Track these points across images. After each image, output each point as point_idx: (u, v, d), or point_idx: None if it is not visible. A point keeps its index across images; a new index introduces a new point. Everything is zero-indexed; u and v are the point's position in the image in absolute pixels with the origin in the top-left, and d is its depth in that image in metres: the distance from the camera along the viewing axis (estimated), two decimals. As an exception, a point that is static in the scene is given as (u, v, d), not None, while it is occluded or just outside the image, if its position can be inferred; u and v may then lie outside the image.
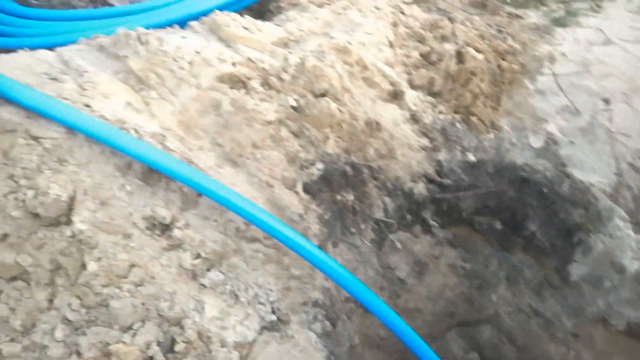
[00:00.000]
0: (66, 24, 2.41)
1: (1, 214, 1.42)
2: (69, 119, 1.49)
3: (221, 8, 2.33)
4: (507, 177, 2.00)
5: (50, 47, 2.22)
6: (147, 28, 2.17)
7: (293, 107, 1.81)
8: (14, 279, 1.45)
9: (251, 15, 2.58)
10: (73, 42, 2.16)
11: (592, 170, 1.94)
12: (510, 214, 2.04)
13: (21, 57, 1.75)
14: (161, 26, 2.22)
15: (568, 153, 1.96)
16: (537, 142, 1.98)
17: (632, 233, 1.81)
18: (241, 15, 2.10)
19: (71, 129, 1.52)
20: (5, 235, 1.42)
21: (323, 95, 1.82)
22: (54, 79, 1.65)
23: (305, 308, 1.76)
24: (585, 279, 1.87)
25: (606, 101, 2.04)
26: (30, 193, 1.43)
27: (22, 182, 1.44)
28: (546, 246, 1.97)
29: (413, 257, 2.12)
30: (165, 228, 1.57)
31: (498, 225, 2.08)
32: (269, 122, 1.79)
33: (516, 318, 2.10)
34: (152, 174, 1.62)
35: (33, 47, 2.32)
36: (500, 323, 2.16)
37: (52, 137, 1.50)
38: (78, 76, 1.69)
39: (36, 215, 1.43)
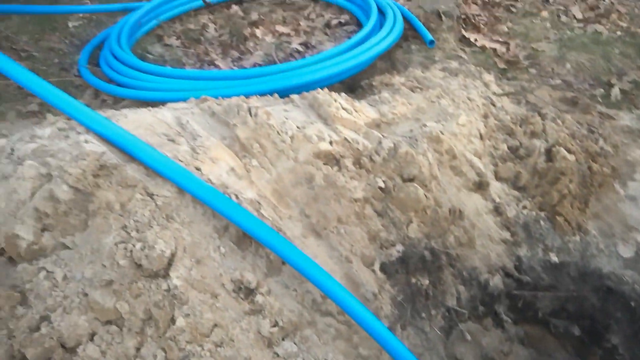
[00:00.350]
0: (177, 82, 2.50)
1: (110, 261, 1.45)
2: (183, 180, 1.51)
3: (320, 82, 2.37)
4: (591, 283, 1.79)
5: (163, 101, 2.32)
6: (248, 94, 2.24)
7: (380, 188, 1.75)
8: (109, 322, 1.45)
9: (343, 89, 2.60)
10: (183, 99, 2.25)
11: (687, 290, 1.70)
12: (591, 322, 1.82)
13: (145, 116, 1.83)
14: (262, 93, 2.27)
15: (660, 268, 1.74)
16: (626, 251, 1.77)
17: None
18: (338, 92, 2.10)
19: (182, 190, 1.55)
20: (110, 282, 1.44)
21: (411, 180, 1.74)
22: (172, 140, 1.71)
23: (369, 390, 1.63)
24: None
25: None
26: (138, 245, 1.45)
27: (133, 234, 1.47)
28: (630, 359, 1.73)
29: (481, 350, 1.94)
30: (249, 292, 1.53)
31: (576, 331, 1.86)
32: (356, 200, 1.73)
33: None
34: (245, 238, 1.60)
35: (147, 100, 2.45)
36: None
37: (164, 195, 1.53)
38: (192, 139, 1.74)
39: (139, 266, 1.45)
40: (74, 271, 1.47)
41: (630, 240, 1.81)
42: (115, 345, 1.41)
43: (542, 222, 1.88)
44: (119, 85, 2.65)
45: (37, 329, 1.40)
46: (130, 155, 1.58)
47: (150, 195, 1.52)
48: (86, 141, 1.55)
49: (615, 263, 1.77)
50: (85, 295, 1.43)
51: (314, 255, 1.68)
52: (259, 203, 1.65)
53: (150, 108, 2.14)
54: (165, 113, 1.87)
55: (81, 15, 3.57)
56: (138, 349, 1.41)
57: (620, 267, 1.75)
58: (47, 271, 1.49)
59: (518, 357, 1.96)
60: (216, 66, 2.76)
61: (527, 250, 1.85)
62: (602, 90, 2.34)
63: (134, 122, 1.78)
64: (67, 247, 1.54)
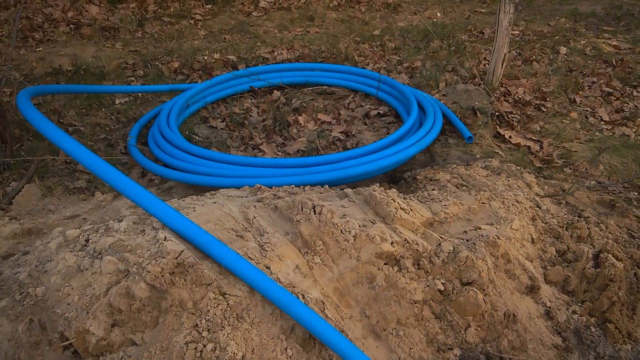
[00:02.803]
0: (226, 167, 2.55)
1: (180, 360, 1.47)
2: (256, 280, 1.57)
3: (366, 174, 2.49)
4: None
5: (211, 186, 2.37)
6: (297, 183, 2.31)
7: (440, 291, 1.80)
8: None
9: (386, 179, 2.71)
10: (232, 185, 2.29)
11: None
12: None
13: (212, 210, 1.92)
14: (309, 183, 2.34)
15: None
16: (681, 364, 1.80)
17: None
18: (383, 185, 2.22)
19: (252, 289, 1.61)
20: (179, 382, 1.45)
21: (469, 283, 1.80)
22: (240, 236, 1.79)
23: None
24: None
25: None
26: (209, 346, 1.47)
27: (205, 334, 1.50)
28: None
29: None
30: (313, 397, 1.54)
31: None
32: (415, 302, 1.78)
33: None
34: (310, 340, 1.63)
35: (195, 183, 2.51)
36: None
37: (236, 295, 1.58)
38: (259, 235, 1.81)
39: (209, 367, 1.47)
40: (140, 368, 1.49)
41: (683, 352, 1.83)
42: None
43: (592, 329, 1.91)
44: (167, 166, 2.75)
45: None
46: (205, 253, 1.66)
47: (223, 294, 1.57)
48: (165, 239, 1.63)
49: (671, 376, 1.78)
50: (152, 395, 1.44)
51: (373, 357, 1.71)
52: (323, 303, 1.70)
53: (212, 196, 2.24)
54: (231, 207, 1.96)
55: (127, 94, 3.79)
56: None
57: (676, 381, 1.77)
58: (113, 366, 1.51)
59: None
60: (260, 150, 2.89)
61: (578, 356, 1.87)
62: (636, 193, 2.47)
63: (202, 215, 1.86)
64: (136, 344, 1.57)
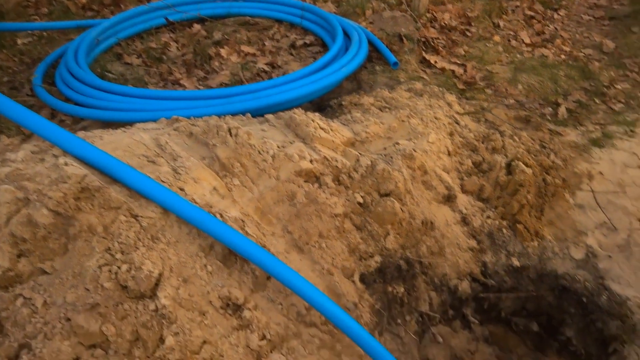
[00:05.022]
0: (143, 102, 2.46)
1: (94, 284, 1.47)
2: (168, 200, 1.57)
3: (291, 102, 2.49)
4: (548, 283, 2.02)
5: (128, 122, 2.30)
6: (218, 114, 2.28)
7: (359, 203, 1.89)
8: (93, 346, 1.47)
9: (312, 108, 2.73)
10: (150, 120, 2.23)
11: (629, 285, 1.96)
12: (548, 318, 2.04)
13: (121, 138, 1.87)
14: (232, 114, 2.32)
15: (606, 267, 1.99)
16: (577, 253, 2.02)
17: (671, 356, 1.80)
18: (309, 112, 2.23)
19: (166, 210, 1.61)
20: (95, 305, 1.46)
21: (387, 194, 1.90)
22: (152, 161, 1.76)
23: (354, 396, 1.74)
24: (622, 394, 1.84)
25: (643, 222, 2.10)
26: (124, 267, 1.48)
27: (118, 256, 1.51)
28: (581, 352, 1.95)
29: (450, 350, 2.10)
30: (237, 308, 1.60)
31: (534, 328, 2.07)
32: (336, 215, 1.86)
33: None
34: (231, 256, 1.67)
35: (110, 120, 2.42)
36: None
37: (149, 217, 1.58)
38: (172, 160, 1.79)
39: (125, 288, 1.48)
40: (54, 296, 1.47)
41: (581, 244, 2.06)
42: (102, 370, 1.44)
43: (504, 231, 2.09)
44: (78, 104, 2.62)
45: (17, 357, 1.39)
46: (112, 178, 1.63)
47: (135, 216, 1.56)
48: (66, 164, 1.58)
49: (569, 264, 2.01)
50: (68, 320, 1.43)
51: (297, 269, 1.78)
52: (243, 221, 1.74)
53: (124, 129, 2.16)
54: (142, 134, 1.91)
55: (30, 32, 3.49)
56: (127, 371, 1.44)
57: (572, 268, 1.99)
58: (25, 298, 1.49)
59: (484, 354, 2.14)
60: (181, 85, 2.80)
61: (491, 256, 2.06)
62: (550, 109, 2.65)
63: (110, 143, 1.81)
64: (46, 272, 1.54)
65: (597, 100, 2.80)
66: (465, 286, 2.05)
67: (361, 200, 1.88)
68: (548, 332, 2.05)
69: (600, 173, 2.26)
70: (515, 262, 2.02)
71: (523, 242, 2.07)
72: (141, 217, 1.57)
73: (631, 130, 2.52)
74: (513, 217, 2.10)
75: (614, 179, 2.24)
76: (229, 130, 1.86)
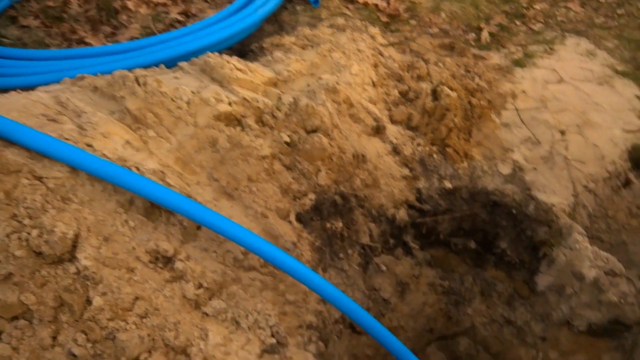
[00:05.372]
0: (45, 64, 2.29)
1: (4, 254, 1.38)
2: (75, 158, 1.47)
3: (206, 49, 2.36)
4: (480, 201, 2.10)
5: (30, 87, 2.13)
6: (129, 68, 2.14)
7: (286, 143, 1.85)
8: (15, 318, 1.39)
9: (233, 54, 2.62)
10: (54, 81, 2.08)
11: (553, 193, 2.07)
12: (483, 235, 2.13)
13: (16, 99, 1.71)
14: (144, 67, 2.19)
15: (532, 178, 2.09)
16: (505, 169, 2.10)
17: (588, 245, 1.94)
18: (229, 55, 2.14)
19: (74, 169, 1.51)
20: (9, 275, 1.37)
21: (314, 131, 1.87)
22: (53, 120, 1.63)
23: (301, 331, 1.77)
24: (550, 288, 1.97)
25: (562, 132, 2.20)
26: (34, 232, 1.39)
27: (26, 221, 1.41)
28: (515, 261, 2.07)
29: (396, 278, 2.17)
30: (167, 261, 1.56)
31: (472, 245, 2.17)
32: (264, 157, 1.82)
33: (490, 328, 2.18)
34: (154, 209, 1.61)
35: (9, 87, 2.23)
36: (476, 334, 2.23)
37: (55, 177, 1.47)
38: (76, 117, 1.67)
39: (39, 254, 1.39)
40: (-40, 273, 1.38)
41: (508, 160, 2.14)
42: (27, 339, 1.36)
43: (434, 156, 2.13)
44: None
45: None
46: (7, 140, 1.49)
47: (39, 178, 1.46)
48: (-50, 129, 1.43)
49: (498, 180, 2.09)
50: (-19, 294, 1.35)
51: (229, 216, 1.74)
52: (163, 172, 1.66)
53: (19, 91, 1.99)
54: (40, 94, 1.76)
55: None
56: (54, 337, 1.37)
57: (501, 183, 2.08)
58: None
59: (428, 277, 2.23)
60: (87, 44, 2.60)
61: (424, 182, 2.10)
62: (473, 34, 2.68)
63: (3, 106, 1.66)
64: (-51, 249, 1.43)
65: (517, 22, 2.86)
66: (402, 214, 2.09)
67: (288, 140, 1.85)
68: (485, 248, 2.15)
69: (523, 92, 2.33)
70: (448, 185, 2.07)
71: (453, 164, 2.12)
72: (46, 178, 1.47)
73: (550, 48, 2.60)
74: (442, 141, 2.14)
75: (536, 96, 2.32)
76: (136, 79, 1.74)
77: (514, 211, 2.04)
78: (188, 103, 1.75)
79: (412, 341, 2.29)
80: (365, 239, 2.05)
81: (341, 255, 2.00)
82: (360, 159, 1.97)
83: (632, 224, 2.15)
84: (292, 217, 1.84)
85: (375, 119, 2.06)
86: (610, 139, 2.21)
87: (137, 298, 1.45)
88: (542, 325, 2.05)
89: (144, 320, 1.44)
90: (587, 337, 1.98)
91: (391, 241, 2.13)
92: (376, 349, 2.17)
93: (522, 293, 2.10)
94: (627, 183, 2.21)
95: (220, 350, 1.53)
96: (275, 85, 2.03)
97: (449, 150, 2.14)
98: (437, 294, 2.26)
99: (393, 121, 2.16)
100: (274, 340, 1.64)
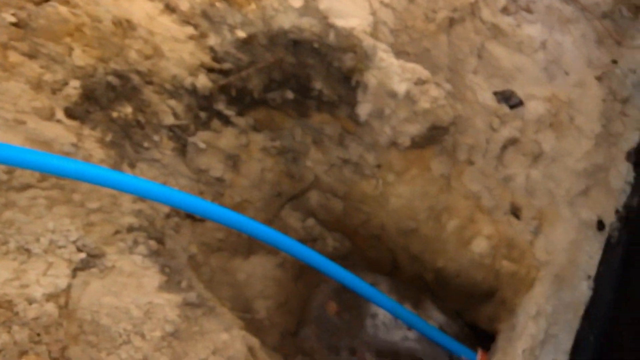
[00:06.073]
0: None
1: None
2: None
3: None
4: (281, 44, 1.96)
5: None
6: None
7: (14, 24, 1.47)
8: None
9: None
10: None
11: (351, 16, 2.01)
12: (296, 81, 2.05)
13: None
14: None
15: (327, 5, 1.98)
16: (296, 1, 1.96)
17: (394, 61, 1.96)
18: None
19: None
20: None
21: (45, 0, 1.50)
22: None
23: (120, 236, 1.59)
24: (371, 115, 2.01)
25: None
26: None
27: None
28: (334, 99, 2.05)
29: (223, 153, 2.04)
30: None
31: (290, 96, 2.08)
32: (-12, 50, 1.43)
33: (332, 173, 2.21)
34: None
35: None
36: (321, 183, 2.27)
37: None
38: None
39: None
40: None
41: (298, -8, 2.00)
42: None
43: (217, 4, 1.90)
44: None
45: None
46: None
47: None
48: None
49: (292, 16, 1.95)
50: None
51: (-33, 134, 1.39)
52: None
53: None
54: None
55: None
56: None
57: (297, 18, 1.95)
58: None
59: (258, 143, 2.15)
60: None
61: (215, 37, 1.89)
62: None
63: None
64: None
65: None
66: (203, 80, 1.89)
67: (14, 20, 1.46)
68: (302, 95, 2.08)
69: None
70: (242, 34, 1.89)
71: (241, 9, 1.92)
72: None
73: None
74: (220, -15, 1.89)
75: None
76: None
77: (316, 45, 1.95)
78: None
79: (263, 211, 2.25)
80: (170, 120, 1.84)
81: (146, 144, 1.78)
82: (125, 25, 1.67)
83: (430, 28, 2.22)
84: (61, 115, 1.55)
85: (131, -25, 1.73)
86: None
87: None
88: (374, 154, 2.12)
89: None
90: (413, 151, 2.09)
91: (202, 115, 1.95)
92: (228, 231, 2.10)
93: (349, 129, 2.12)
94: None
95: (13, 285, 1.29)
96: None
97: (233, -5, 1.92)
98: (273, 156, 2.20)
99: (158, -25, 1.84)
100: (83, 255, 1.44)
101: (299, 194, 2.35)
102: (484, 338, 2.27)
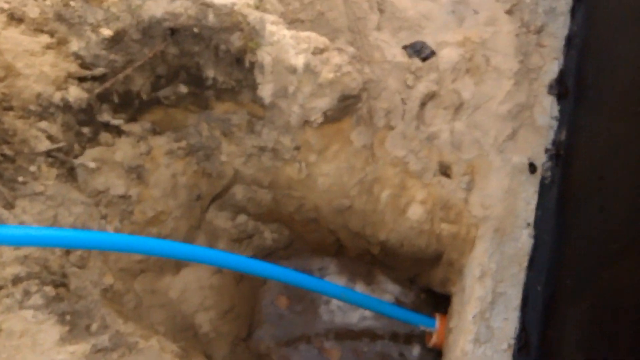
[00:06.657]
0: None
1: None
2: None
3: None
4: (157, 35, 1.76)
5: None
6: None
7: None
8: None
9: None
10: None
11: (233, -8, 1.82)
12: (186, 72, 1.86)
13: None
14: None
15: (202, -17, 1.78)
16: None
17: (286, 32, 1.80)
18: None
19: None
20: None
21: None
22: None
23: (3, 292, 1.42)
24: (276, 95, 1.85)
25: None
26: None
27: None
28: (232, 85, 1.88)
29: (121, 167, 1.86)
30: None
31: (183, 90, 1.90)
32: None
33: (251, 164, 2.07)
34: None
35: None
36: (243, 176, 2.12)
37: None
38: None
39: None
40: None
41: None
42: None
43: (72, 3, 1.67)
44: None
45: None
46: None
47: None
48: None
49: (163, 1, 1.73)
50: None
51: None
52: None
53: None
54: None
55: None
56: None
57: (168, 3, 1.74)
58: None
59: (161, 147, 1.96)
60: None
61: (78, 41, 1.67)
62: None
63: None
64: None
65: None
66: (75, 92, 1.69)
67: None
68: (197, 86, 1.89)
69: None
70: (107, 32, 1.69)
71: (101, 4, 1.71)
72: None
73: None
74: (69, -20, 1.66)
75: None
76: None
77: (196, 30, 1.76)
78: None
79: (185, 219, 2.10)
80: (45, 145, 1.64)
81: (21, 178, 1.59)
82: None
83: (324, -12, 2.04)
84: None
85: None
86: None
87: None
88: (289, 136, 1.97)
89: None
90: (330, 126, 1.96)
91: (85, 130, 1.76)
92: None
93: (257, 114, 1.96)
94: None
95: None
96: None
97: (90, -11, 1.69)
98: (182, 158, 2.03)
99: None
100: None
101: (222, 192, 2.19)
102: (444, 301, 2.23)
